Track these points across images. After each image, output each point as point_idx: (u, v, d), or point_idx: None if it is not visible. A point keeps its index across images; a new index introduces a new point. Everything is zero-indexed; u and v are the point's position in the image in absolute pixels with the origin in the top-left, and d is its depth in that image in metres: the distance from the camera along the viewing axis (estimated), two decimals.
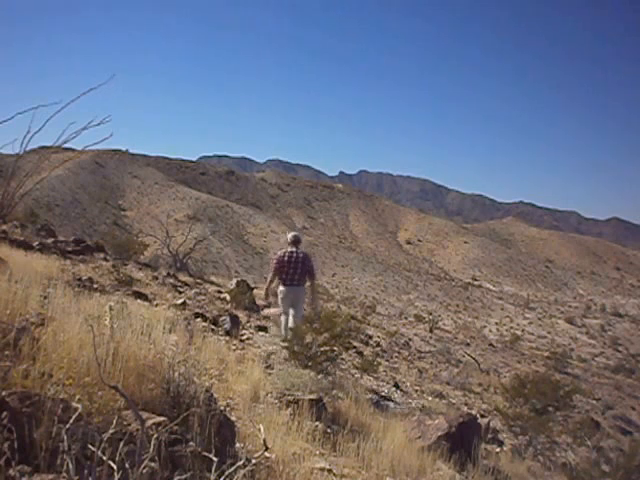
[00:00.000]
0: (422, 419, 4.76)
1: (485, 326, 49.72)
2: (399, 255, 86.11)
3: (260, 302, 11.21)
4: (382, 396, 7.09)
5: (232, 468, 1.94)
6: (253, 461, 2.13)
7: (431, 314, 42.07)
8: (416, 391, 9.01)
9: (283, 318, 6.67)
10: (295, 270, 6.51)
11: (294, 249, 6.64)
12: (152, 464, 1.74)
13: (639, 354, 43.07)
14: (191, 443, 2.15)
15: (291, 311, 6.53)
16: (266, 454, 2.31)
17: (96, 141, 10.61)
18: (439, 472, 3.86)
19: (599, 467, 6.02)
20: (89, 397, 2.10)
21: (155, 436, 1.83)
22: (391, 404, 6.60)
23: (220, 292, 12.02)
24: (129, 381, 2.41)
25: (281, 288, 6.59)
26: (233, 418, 3.10)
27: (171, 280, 10.97)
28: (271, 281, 6.80)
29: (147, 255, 19.04)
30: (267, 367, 5.40)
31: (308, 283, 6.72)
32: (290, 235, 6.85)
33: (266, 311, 10.70)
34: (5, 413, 1.72)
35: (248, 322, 8.95)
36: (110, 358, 2.40)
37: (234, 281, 12.73)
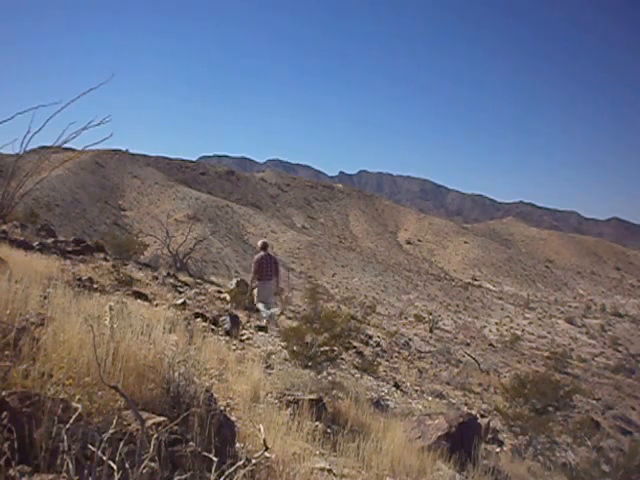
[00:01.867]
0: (422, 419, 4.76)
1: (485, 326, 49.69)
2: (399, 255, 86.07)
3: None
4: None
5: (232, 468, 1.94)
6: (253, 461, 2.13)
7: (431, 314, 42.00)
8: (416, 391, 9.00)
9: (261, 305, 8.91)
10: (270, 268, 8.98)
11: (265, 253, 9.05)
12: (152, 464, 1.74)
13: (639, 354, 43.04)
14: (191, 443, 2.15)
15: (267, 298, 8.95)
16: (266, 454, 2.31)
17: (96, 141, 10.64)
18: (439, 472, 3.86)
19: (599, 467, 6.02)
20: (89, 397, 2.10)
21: (155, 436, 1.83)
22: (391, 404, 6.59)
23: (220, 292, 12.01)
24: (129, 381, 2.41)
25: (260, 282, 8.95)
26: (233, 418, 3.10)
27: (171, 280, 10.96)
28: (253, 278, 9.10)
29: (147, 255, 19.05)
30: (267, 367, 5.40)
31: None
32: (260, 242, 9.36)
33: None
34: (5, 413, 1.72)
35: (248, 322, 8.94)
36: (110, 358, 2.40)
37: (234, 281, 12.74)
